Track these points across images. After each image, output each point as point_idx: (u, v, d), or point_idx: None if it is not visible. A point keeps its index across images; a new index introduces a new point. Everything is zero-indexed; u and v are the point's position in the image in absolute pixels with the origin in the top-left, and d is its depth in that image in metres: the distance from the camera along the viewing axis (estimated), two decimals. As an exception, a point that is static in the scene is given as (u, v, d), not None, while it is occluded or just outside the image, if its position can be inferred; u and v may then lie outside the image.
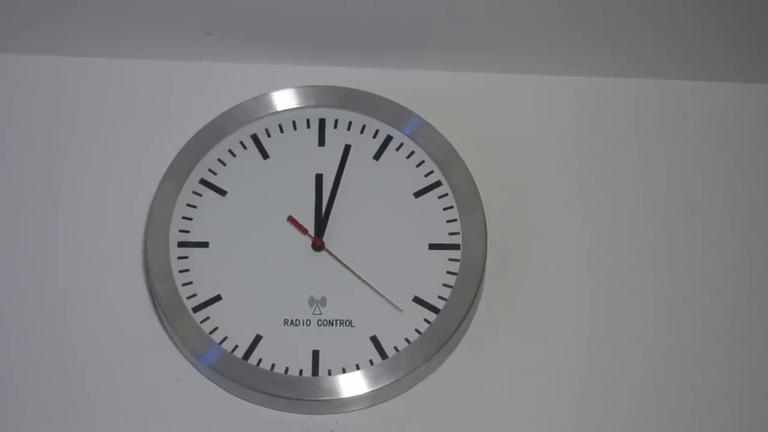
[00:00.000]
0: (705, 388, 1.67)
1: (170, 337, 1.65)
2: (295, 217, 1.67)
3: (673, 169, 1.78)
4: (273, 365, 1.61)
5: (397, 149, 1.72)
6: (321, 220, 1.68)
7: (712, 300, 1.70)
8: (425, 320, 1.62)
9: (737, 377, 1.67)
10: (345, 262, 1.66)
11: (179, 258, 1.67)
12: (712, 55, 1.78)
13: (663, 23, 1.72)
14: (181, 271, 1.66)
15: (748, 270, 1.73)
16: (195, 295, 1.65)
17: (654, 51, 1.77)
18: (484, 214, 1.67)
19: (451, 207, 1.68)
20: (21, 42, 1.78)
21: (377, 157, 1.72)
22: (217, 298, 1.65)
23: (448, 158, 1.71)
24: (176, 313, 1.64)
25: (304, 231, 1.68)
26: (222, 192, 1.71)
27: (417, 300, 1.63)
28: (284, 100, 1.75)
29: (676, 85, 1.81)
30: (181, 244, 1.68)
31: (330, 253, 1.66)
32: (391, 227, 1.69)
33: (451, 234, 1.67)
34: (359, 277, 1.64)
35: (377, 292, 1.63)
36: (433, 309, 1.63)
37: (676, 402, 1.66)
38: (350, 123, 1.74)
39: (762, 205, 1.76)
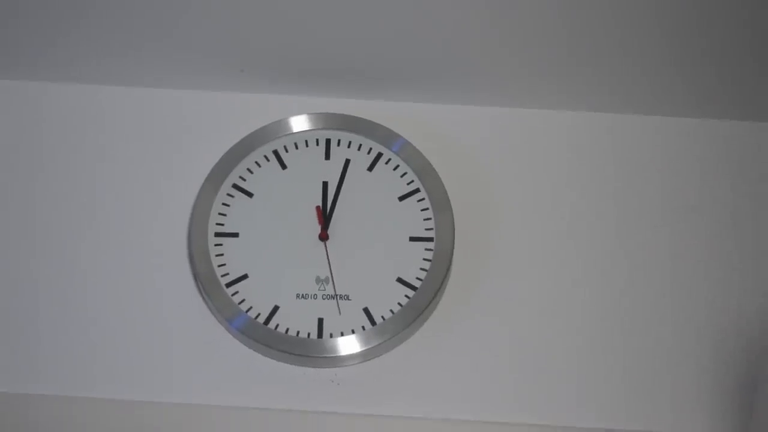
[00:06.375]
0: (619, 351, 1.75)
1: (208, 307, 1.75)
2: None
3: (607, 185, 1.84)
4: (287, 329, 1.72)
5: (386, 163, 1.81)
6: (326, 218, 1.77)
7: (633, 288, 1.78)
8: (406, 296, 1.73)
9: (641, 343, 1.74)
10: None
11: (215, 245, 1.77)
12: (671, 91, 1.83)
13: (609, 61, 1.77)
14: (217, 255, 1.76)
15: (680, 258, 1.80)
16: (227, 274, 1.75)
17: (594, 86, 1.83)
18: (452, 214, 1.77)
19: (427, 208, 1.78)
20: (93, 73, 1.86)
21: (370, 169, 1.81)
22: (245, 276, 1.75)
23: (425, 171, 1.79)
24: (213, 288, 1.74)
25: (322, 220, 1.76)
26: (249, 194, 1.80)
27: (399, 280, 1.74)
28: (299, 123, 1.83)
29: (616, 118, 1.87)
30: (217, 234, 1.77)
31: (324, 248, 1.75)
32: (380, 224, 1.77)
33: (427, 229, 1.77)
34: (332, 278, 1.73)
35: (335, 292, 1.73)
36: (412, 287, 1.74)
37: (609, 356, 1.74)
38: (350, 142, 1.83)
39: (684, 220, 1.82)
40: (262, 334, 1.72)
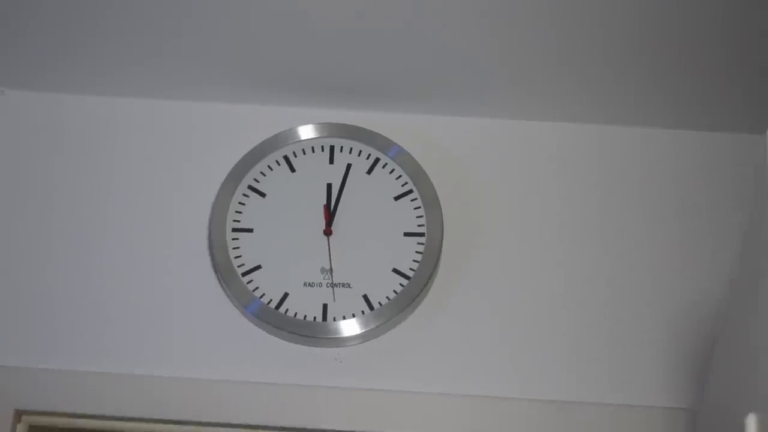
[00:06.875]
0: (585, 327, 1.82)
1: (226, 294, 1.83)
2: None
3: (588, 183, 1.90)
4: (296, 314, 1.80)
5: (383, 167, 1.89)
6: (330, 215, 1.85)
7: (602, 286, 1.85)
8: (400, 284, 1.81)
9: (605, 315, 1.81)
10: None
11: (233, 239, 1.85)
12: (651, 104, 1.87)
13: (593, 75, 1.81)
14: (234, 248, 1.84)
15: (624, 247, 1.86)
16: (243, 264, 1.83)
17: (579, 99, 1.88)
18: (441, 213, 1.84)
19: (419, 207, 1.86)
20: (120, 86, 1.93)
21: (369, 172, 1.89)
22: (258, 267, 1.83)
23: (418, 174, 1.87)
24: (230, 277, 1.82)
25: (326, 217, 1.82)
26: (263, 194, 1.88)
27: (395, 270, 1.82)
28: (306, 132, 1.91)
29: (599, 129, 1.92)
30: (234, 230, 1.85)
31: (328, 242, 1.81)
32: (378, 220, 1.85)
33: (419, 225, 1.85)
34: (335, 268, 1.77)
35: (338, 281, 1.78)
36: (406, 277, 1.82)
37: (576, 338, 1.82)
38: (351, 148, 1.90)
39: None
40: (274, 318, 1.81)
